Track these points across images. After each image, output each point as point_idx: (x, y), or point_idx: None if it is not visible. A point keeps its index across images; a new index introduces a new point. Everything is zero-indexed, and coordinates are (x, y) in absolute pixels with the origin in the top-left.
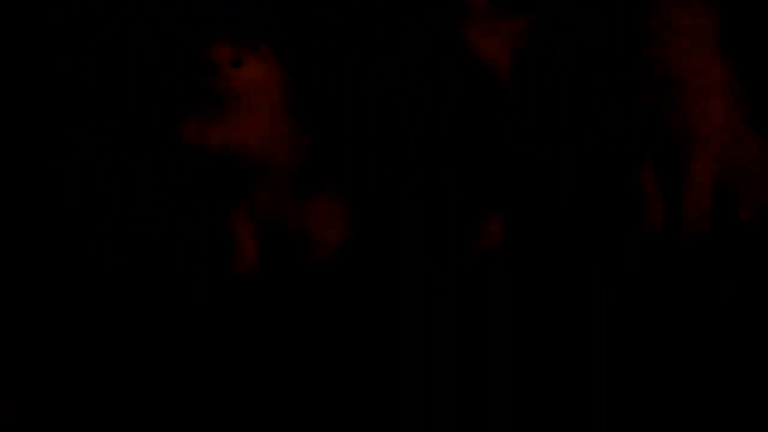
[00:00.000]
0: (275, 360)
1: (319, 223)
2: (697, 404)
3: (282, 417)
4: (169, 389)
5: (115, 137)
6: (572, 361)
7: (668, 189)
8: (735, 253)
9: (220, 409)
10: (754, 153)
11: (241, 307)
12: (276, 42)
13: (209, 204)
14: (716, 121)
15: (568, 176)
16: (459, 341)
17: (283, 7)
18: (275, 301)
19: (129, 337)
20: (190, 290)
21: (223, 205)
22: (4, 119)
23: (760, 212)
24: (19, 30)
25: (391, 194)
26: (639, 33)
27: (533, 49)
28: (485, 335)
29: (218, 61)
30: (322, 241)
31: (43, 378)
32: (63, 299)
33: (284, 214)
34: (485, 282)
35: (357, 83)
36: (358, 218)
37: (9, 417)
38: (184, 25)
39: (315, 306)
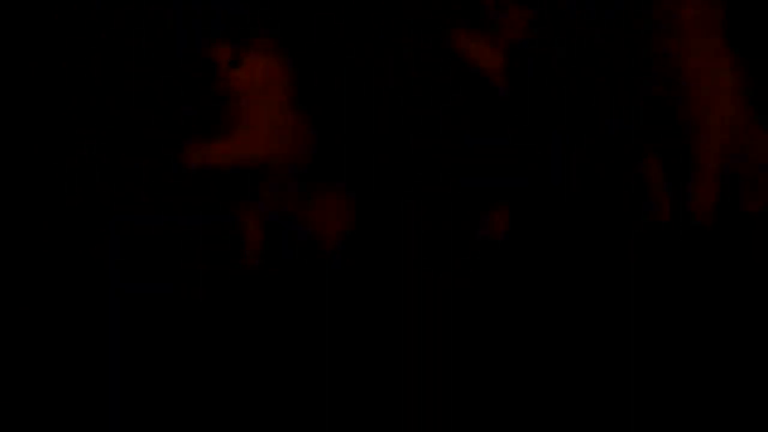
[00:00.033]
0: (276, 356)
1: (323, 215)
2: (702, 389)
3: (282, 416)
4: (169, 389)
5: (115, 137)
6: (574, 354)
7: (674, 181)
8: (740, 245)
9: (220, 408)
10: (761, 144)
11: (246, 299)
12: (278, 39)
13: (214, 199)
14: (722, 113)
15: (573, 169)
16: (461, 330)
17: (286, 6)
18: (280, 293)
19: (129, 337)
20: (190, 290)
21: (228, 200)
22: (4, 119)
23: (766, 204)
24: (19, 30)
25: (395, 186)
26: (643, 25)
27: (535, 44)
28: (486, 325)
29: (217, 63)
30: (326, 233)
31: (44, 378)
32: (63, 299)
33: (289, 207)
34: (488, 274)
35: (359, 79)
36: (362, 210)
37: None
38: (184, 24)
39: (319, 297)
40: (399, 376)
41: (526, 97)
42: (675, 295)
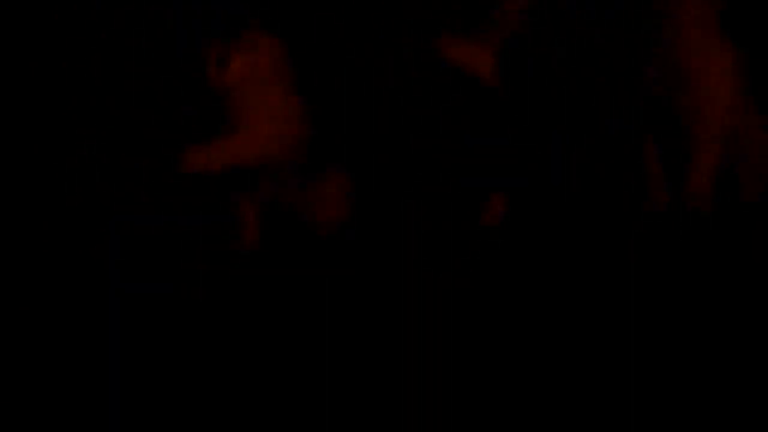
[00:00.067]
0: (275, 352)
1: (321, 202)
2: (701, 378)
3: (282, 415)
4: (169, 389)
5: (115, 137)
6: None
7: (672, 171)
8: (738, 235)
9: (219, 408)
10: (758, 134)
11: (245, 298)
12: (270, 32)
13: (213, 194)
14: (720, 104)
15: (572, 162)
16: (460, 319)
17: (288, 4)
18: (278, 286)
19: (129, 337)
20: (190, 290)
21: (225, 191)
22: (4, 119)
23: (762, 194)
24: (19, 30)
25: (394, 175)
26: (643, 17)
27: (535, 43)
28: (486, 316)
29: (207, 63)
30: (324, 221)
31: (44, 377)
32: (63, 299)
33: (287, 195)
34: (488, 263)
35: (358, 72)
36: (360, 198)
37: None
38: (183, 24)
39: (317, 285)
40: (398, 365)
41: (525, 96)
42: (674, 284)
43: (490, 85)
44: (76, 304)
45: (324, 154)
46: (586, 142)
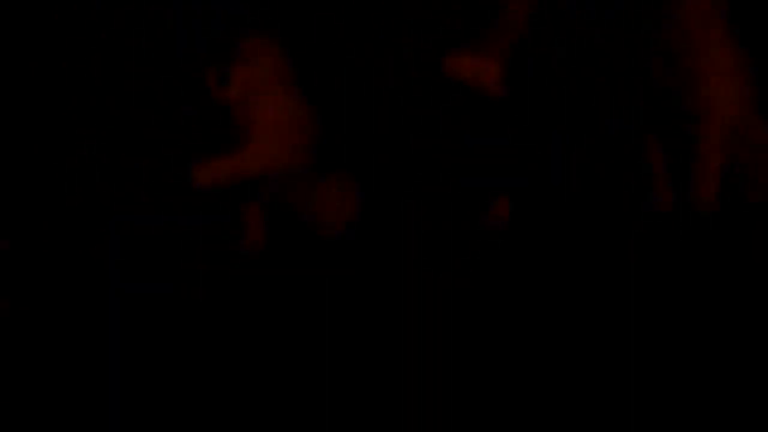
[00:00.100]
0: (276, 352)
1: (326, 202)
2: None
3: (283, 414)
4: (169, 389)
5: (115, 137)
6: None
7: (678, 170)
8: (743, 234)
9: (219, 408)
10: (763, 134)
11: (246, 297)
12: (268, 40)
13: (214, 198)
14: (726, 104)
15: (574, 163)
16: (461, 319)
17: (288, 6)
18: (280, 285)
19: (129, 336)
20: (190, 290)
21: (229, 197)
22: (5, 119)
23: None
24: (19, 30)
25: (397, 177)
26: (646, 14)
27: (537, 38)
28: (488, 315)
29: (208, 85)
30: (328, 222)
31: (44, 377)
32: (63, 299)
33: (292, 197)
34: (491, 265)
35: (360, 75)
36: (364, 199)
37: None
38: (183, 24)
39: (320, 286)
40: (398, 365)
41: (526, 96)
42: (677, 283)
43: (497, 95)
44: (76, 304)
45: (329, 156)
46: (586, 142)
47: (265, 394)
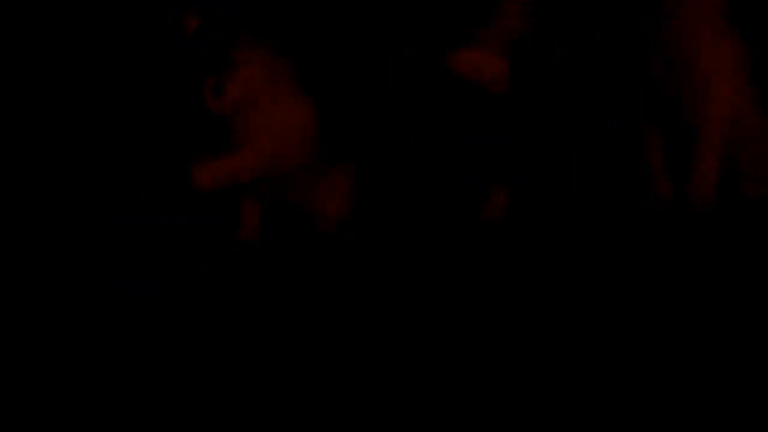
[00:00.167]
0: (276, 354)
1: (323, 198)
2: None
3: (283, 414)
4: (169, 389)
5: (115, 137)
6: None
7: (676, 166)
8: (741, 230)
9: (219, 408)
10: (763, 129)
11: (246, 298)
12: (265, 43)
13: (213, 197)
14: (724, 99)
15: (573, 160)
16: (461, 315)
17: (287, 6)
18: (278, 280)
19: (129, 337)
20: (190, 290)
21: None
22: (4, 119)
23: (766, 189)
24: (20, 30)
25: (396, 173)
26: (646, 12)
27: (536, 36)
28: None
29: (205, 96)
30: (326, 216)
31: (44, 378)
32: (63, 299)
33: (291, 191)
34: (490, 259)
35: (359, 74)
36: (360, 195)
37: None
38: (184, 24)
39: (318, 281)
40: (398, 363)
41: (526, 95)
42: (676, 282)
43: (500, 91)
44: (76, 304)
45: (330, 153)
46: (586, 141)
47: (265, 393)
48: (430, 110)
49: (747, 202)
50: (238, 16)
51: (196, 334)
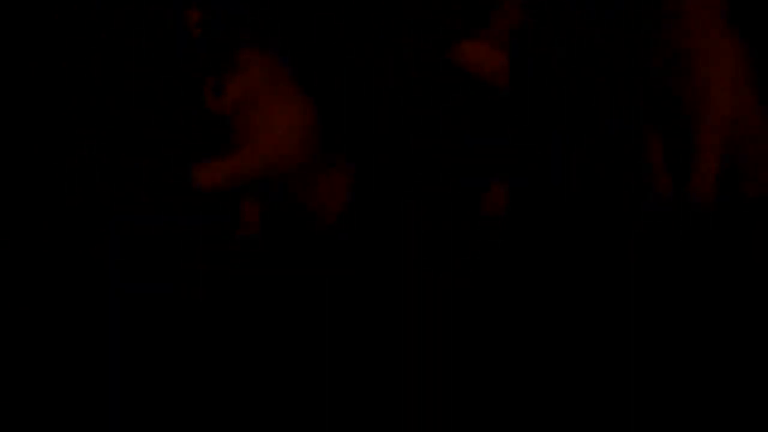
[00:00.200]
0: (275, 353)
1: (322, 191)
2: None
3: (283, 414)
4: (169, 389)
5: (115, 137)
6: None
7: (676, 166)
8: (740, 230)
9: (219, 408)
10: (761, 128)
11: (245, 297)
12: (263, 45)
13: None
14: (725, 103)
15: (573, 160)
16: (460, 309)
17: (287, 6)
18: (277, 279)
19: (129, 337)
20: (190, 290)
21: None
22: (5, 119)
23: (766, 188)
24: (20, 30)
25: (394, 171)
26: (645, 7)
27: (536, 36)
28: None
29: (205, 96)
30: (325, 209)
31: (44, 378)
32: (63, 299)
33: (290, 191)
34: (490, 255)
35: (359, 73)
36: (360, 194)
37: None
38: (184, 25)
39: (316, 282)
40: (398, 363)
41: (526, 94)
42: (676, 280)
43: (502, 85)
44: (76, 304)
45: (329, 151)
46: (586, 141)
47: (265, 393)
48: (430, 109)
49: (747, 202)
50: (238, 16)
51: (196, 334)
